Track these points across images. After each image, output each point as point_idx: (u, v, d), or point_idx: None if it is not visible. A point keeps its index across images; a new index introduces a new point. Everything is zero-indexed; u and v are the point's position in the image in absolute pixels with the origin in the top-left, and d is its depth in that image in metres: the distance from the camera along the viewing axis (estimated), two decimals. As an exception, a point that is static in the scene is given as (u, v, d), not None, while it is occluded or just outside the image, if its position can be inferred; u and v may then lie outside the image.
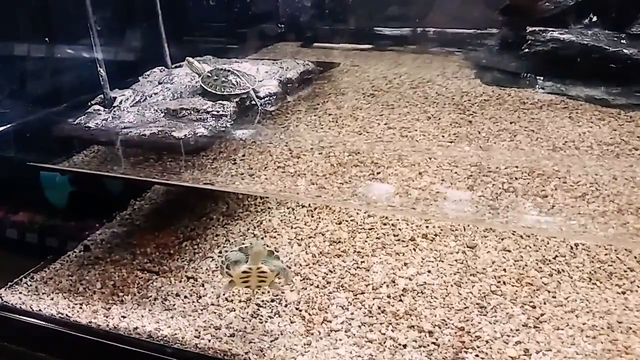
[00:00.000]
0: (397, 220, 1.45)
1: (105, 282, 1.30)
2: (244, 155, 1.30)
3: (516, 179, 1.19)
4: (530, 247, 1.37)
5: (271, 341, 1.11)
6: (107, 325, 1.17)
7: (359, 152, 1.31)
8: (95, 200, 1.59)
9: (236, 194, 1.71)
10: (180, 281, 1.29)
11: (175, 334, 1.12)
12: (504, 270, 1.28)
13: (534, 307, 1.17)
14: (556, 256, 1.33)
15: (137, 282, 1.29)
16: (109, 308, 1.22)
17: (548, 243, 1.38)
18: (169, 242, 1.46)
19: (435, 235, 1.39)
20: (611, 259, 1.30)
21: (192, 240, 1.47)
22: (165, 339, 1.12)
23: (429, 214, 1.17)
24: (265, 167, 1.24)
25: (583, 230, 1.04)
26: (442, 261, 1.30)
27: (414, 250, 1.34)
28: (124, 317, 1.19)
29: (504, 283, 1.24)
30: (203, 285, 1.27)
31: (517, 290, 1.22)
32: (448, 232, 1.41)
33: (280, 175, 1.21)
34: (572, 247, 1.37)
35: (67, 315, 1.20)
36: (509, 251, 1.35)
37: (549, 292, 1.21)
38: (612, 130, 1.44)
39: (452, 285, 1.22)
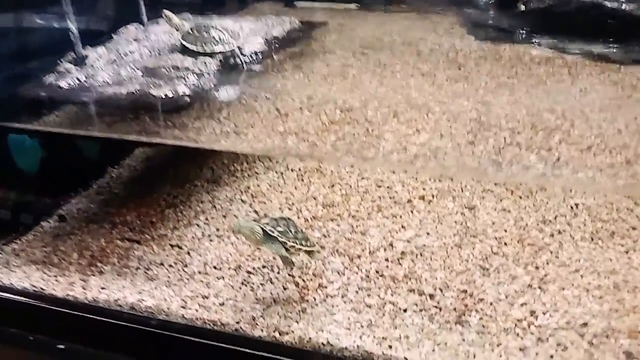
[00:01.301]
0: (392, 182, 1.39)
1: (82, 253, 1.21)
2: (228, 114, 1.20)
3: (518, 133, 1.13)
4: (529, 208, 1.32)
5: (263, 309, 1.04)
6: (86, 298, 1.09)
7: (351, 110, 1.23)
8: (69, 167, 1.49)
9: (221, 159, 1.62)
10: (164, 250, 1.20)
11: (160, 304, 1.05)
12: (505, 231, 1.23)
13: (537, 267, 1.12)
14: (556, 216, 1.29)
15: (117, 251, 1.21)
16: (87, 279, 1.13)
17: (547, 203, 1.33)
18: (150, 210, 1.37)
19: (433, 196, 1.33)
20: (613, 219, 1.26)
21: (175, 207, 1.39)
22: (149, 310, 1.05)
23: (431, 169, 1.10)
24: (252, 126, 1.15)
25: (591, 182, 0.99)
26: (441, 223, 1.24)
27: (412, 212, 1.27)
28: (103, 288, 1.11)
29: (505, 244, 1.19)
30: (189, 254, 1.19)
31: (519, 252, 1.17)
32: (445, 193, 1.35)
33: (269, 134, 1.13)
34: (572, 207, 1.32)
35: (41, 288, 1.12)
36: (509, 211, 1.30)
37: (551, 252, 1.17)
38: (613, 84, 1.38)
39: (452, 247, 1.17)
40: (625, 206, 1.30)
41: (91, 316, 1.06)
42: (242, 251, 1.18)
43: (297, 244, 1.00)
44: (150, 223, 1.32)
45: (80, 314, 1.06)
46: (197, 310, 1.03)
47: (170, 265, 1.15)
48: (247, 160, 1.61)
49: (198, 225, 1.29)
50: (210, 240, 1.23)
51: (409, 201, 1.30)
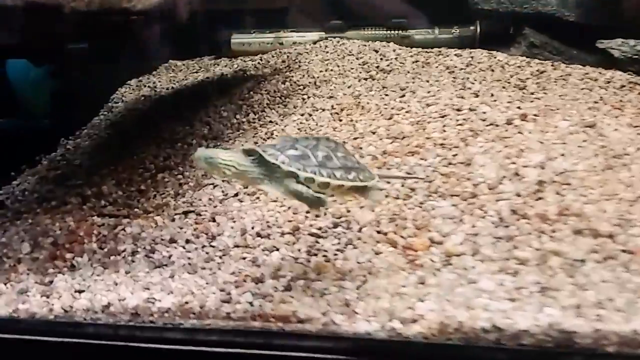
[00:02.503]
0: (472, 105, 1.00)
1: (37, 241, 0.75)
2: None
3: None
4: (652, 122, 0.98)
5: (357, 287, 0.63)
6: (50, 310, 0.64)
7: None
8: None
9: (217, 112, 1.20)
10: (173, 220, 0.77)
11: (186, 302, 0.61)
12: (652, 146, 0.88)
13: None
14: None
15: (95, 232, 0.76)
16: (50, 281, 0.68)
17: (666, 116, 1.00)
18: (134, 176, 0.94)
19: (536, 115, 0.96)
20: None
21: (170, 170, 0.96)
22: (166, 314, 0.61)
23: None
24: None
25: None
26: (566, 143, 0.87)
27: (520, 133, 0.90)
28: (80, 291, 0.66)
29: (665, 162, 0.84)
30: (214, 220, 0.76)
31: (686, 169, 0.82)
32: (549, 111, 0.98)
33: None
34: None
35: (-29, 305, 0.66)
36: (636, 127, 0.96)
37: None
38: None
39: (603, 170, 0.80)
40: None
41: (61, 340, 0.61)
42: (296, 206, 0.76)
43: (320, 175, 0.58)
44: (138, 192, 0.88)
45: (41, 339, 0.61)
46: (250, 304, 0.61)
47: (189, 241, 0.72)
48: (254, 110, 1.20)
49: (213, 184, 0.86)
50: (240, 200, 0.81)
51: (509, 122, 0.93)
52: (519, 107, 0.99)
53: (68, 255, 0.72)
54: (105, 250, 0.72)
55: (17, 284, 0.68)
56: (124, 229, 0.76)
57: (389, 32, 1.61)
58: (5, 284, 0.68)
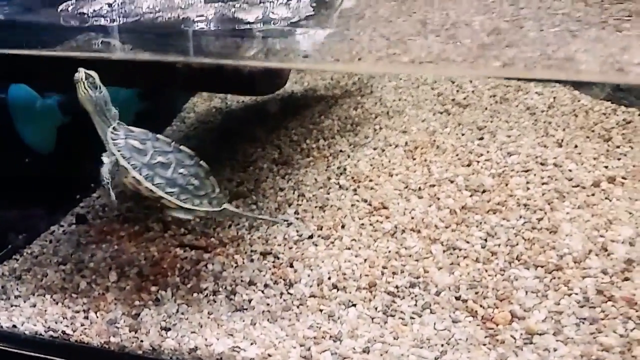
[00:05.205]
0: (557, 158, 0.97)
1: (123, 270, 0.79)
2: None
3: None
4: None
5: (436, 359, 0.63)
6: (139, 347, 0.67)
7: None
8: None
9: (288, 135, 1.21)
10: (252, 260, 0.79)
11: (269, 355, 0.63)
12: None
13: None
14: None
15: (179, 266, 0.79)
16: (137, 314, 0.71)
17: None
18: (210, 202, 0.96)
19: (624, 178, 0.92)
20: None
21: (244, 198, 0.97)
22: (248, 364, 0.63)
23: None
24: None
25: None
26: (658, 215, 0.84)
27: (608, 200, 0.86)
28: (166, 329, 0.69)
29: None
30: (291, 266, 0.77)
31: None
32: (636, 173, 0.94)
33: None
34: None
35: (63, 332, 0.69)
36: None
37: None
38: None
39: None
40: None
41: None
42: (371, 257, 0.77)
43: (139, 172, 0.63)
44: (213, 220, 0.90)
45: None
46: (329, 365, 0.62)
47: (267, 285, 0.73)
48: (324, 136, 1.20)
49: (287, 221, 0.88)
50: (315, 244, 0.81)
51: (595, 184, 0.89)
52: (606, 167, 0.95)
53: (153, 288, 0.75)
54: (189, 286, 0.74)
55: (107, 313, 0.72)
56: (205, 266, 0.78)
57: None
58: (95, 313, 0.72)
